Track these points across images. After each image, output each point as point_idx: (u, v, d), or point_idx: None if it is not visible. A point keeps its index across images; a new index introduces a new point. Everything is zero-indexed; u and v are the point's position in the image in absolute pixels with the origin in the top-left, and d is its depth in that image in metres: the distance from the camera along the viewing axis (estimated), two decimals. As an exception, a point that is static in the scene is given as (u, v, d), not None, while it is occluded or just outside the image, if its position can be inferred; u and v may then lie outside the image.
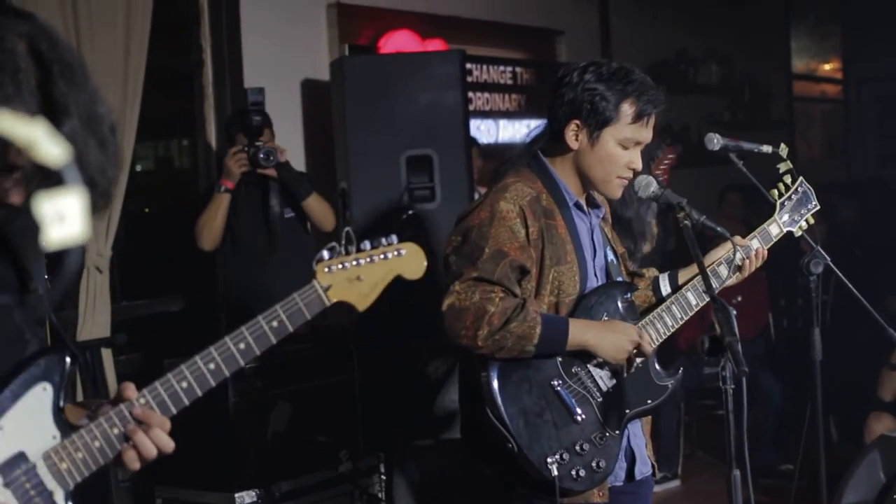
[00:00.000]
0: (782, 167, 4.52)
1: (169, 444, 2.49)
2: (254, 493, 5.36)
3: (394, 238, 2.72)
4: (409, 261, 2.73)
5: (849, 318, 8.14)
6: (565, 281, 3.88)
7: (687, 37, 11.98)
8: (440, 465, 6.16)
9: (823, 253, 5.23)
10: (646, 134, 3.95)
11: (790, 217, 4.39)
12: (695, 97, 12.12)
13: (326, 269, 2.62)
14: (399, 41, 8.57)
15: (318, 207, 6.63)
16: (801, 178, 4.44)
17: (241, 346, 2.54)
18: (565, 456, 3.78)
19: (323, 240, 7.57)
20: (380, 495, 5.87)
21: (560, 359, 3.85)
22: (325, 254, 2.62)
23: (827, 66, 15.15)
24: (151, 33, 6.58)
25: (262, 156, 6.25)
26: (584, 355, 3.88)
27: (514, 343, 3.71)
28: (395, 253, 2.71)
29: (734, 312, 3.46)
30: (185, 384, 2.50)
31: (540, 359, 3.82)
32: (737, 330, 3.40)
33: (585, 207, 4.04)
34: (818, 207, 4.46)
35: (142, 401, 2.48)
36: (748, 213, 8.98)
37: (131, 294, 7.14)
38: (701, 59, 12.27)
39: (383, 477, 5.99)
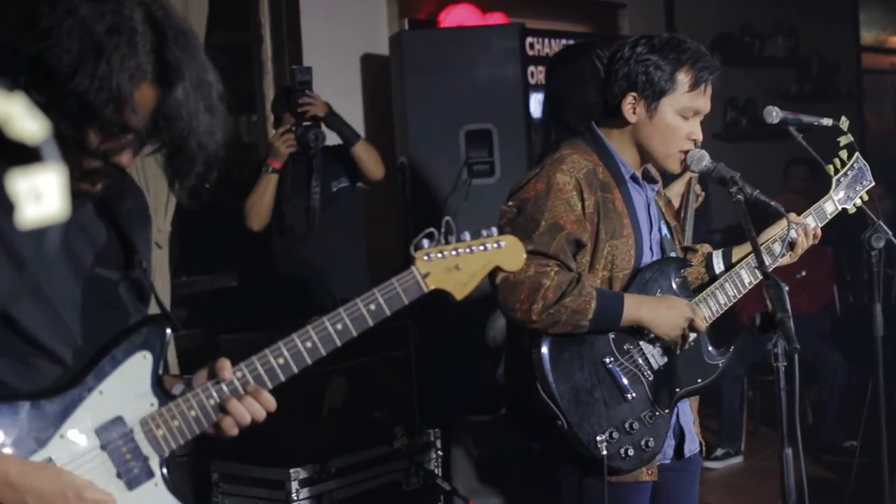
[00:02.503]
0: (843, 140, 4.45)
1: (262, 414, 2.58)
2: (309, 469, 5.37)
3: (493, 230, 2.76)
4: (508, 252, 2.78)
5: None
6: (619, 255, 3.85)
7: (752, 9, 11.85)
8: (498, 441, 6.14)
9: (885, 227, 5.16)
10: (703, 102, 3.90)
11: (845, 194, 4.31)
12: (760, 70, 12.02)
13: (426, 257, 2.66)
14: (459, 15, 8.53)
15: (366, 154, 6.56)
16: (856, 153, 4.36)
17: (339, 326, 2.59)
18: (615, 434, 3.75)
19: (378, 211, 7.62)
20: (436, 471, 5.86)
21: (612, 335, 3.82)
22: (425, 241, 2.67)
23: (897, 38, 14.96)
24: (210, 9, 6.59)
25: (311, 137, 6.22)
26: (637, 332, 3.85)
27: (569, 318, 3.68)
28: (495, 244, 2.75)
29: (787, 288, 3.40)
30: (281, 360, 2.57)
31: (593, 335, 3.78)
32: (789, 306, 3.33)
33: (641, 180, 4.00)
34: (873, 184, 4.39)
35: (238, 374, 2.56)
36: (813, 186, 8.89)
37: (190, 269, 7.19)
38: (767, 32, 12.15)
39: (440, 452, 5.98)
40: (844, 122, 4.51)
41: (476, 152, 7.07)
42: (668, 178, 5.22)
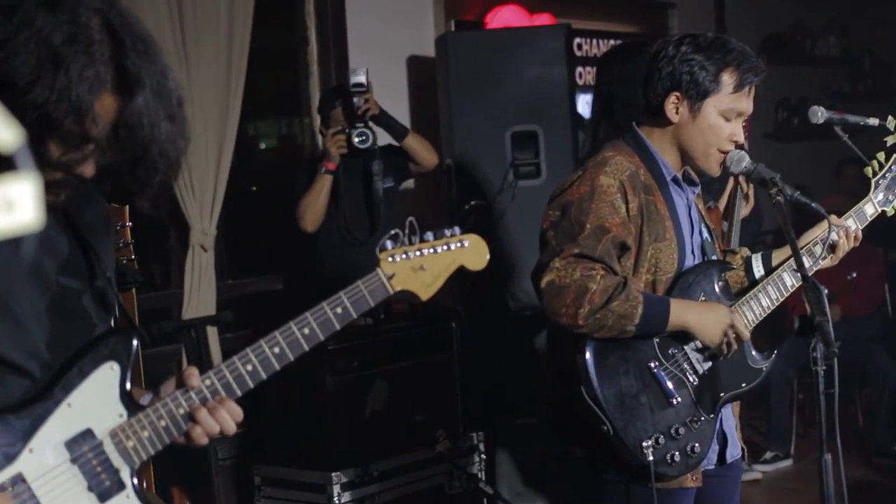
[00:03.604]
0: (890, 140, 4.39)
1: (231, 425, 2.56)
2: (351, 472, 5.37)
3: (457, 229, 2.77)
4: (471, 252, 2.78)
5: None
6: (663, 258, 3.81)
7: (803, 7, 11.77)
8: (543, 445, 6.11)
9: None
10: (747, 104, 3.86)
11: (885, 196, 4.25)
12: (812, 69, 11.93)
13: (390, 259, 2.67)
14: (506, 16, 8.49)
15: (417, 144, 6.61)
16: (895, 155, 4.30)
17: (306, 330, 2.59)
18: (661, 440, 3.71)
19: (425, 213, 7.58)
20: (480, 475, 5.84)
21: (657, 340, 3.79)
22: (388, 243, 2.67)
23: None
24: (256, 11, 6.60)
25: (360, 138, 6.22)
26: (682, 337, 3.81)
27: (616, 322, 3.65)
28: (458, 244, 2.75)
29: (826, 291, 3.36)
30: (249, 367, 2.56)
31: (637, 339, 3.74)
32: (828, 309, 3.30)
33: (682, 183, 3.96)
34: None
35: (207, 382, 2.54)
36: (864, 187, 8.80)
37: (237, 272, 7.20)
38: (818, 31, 12.05)
39: (483, 456, 5.96)
40: (891, 122, 4.46)
41: (522, 154, 7.06)
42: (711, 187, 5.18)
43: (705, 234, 4.04)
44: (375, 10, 7.65)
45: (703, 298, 3.85)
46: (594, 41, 9.46)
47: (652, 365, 3.77)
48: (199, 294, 6.37)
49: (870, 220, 4.20)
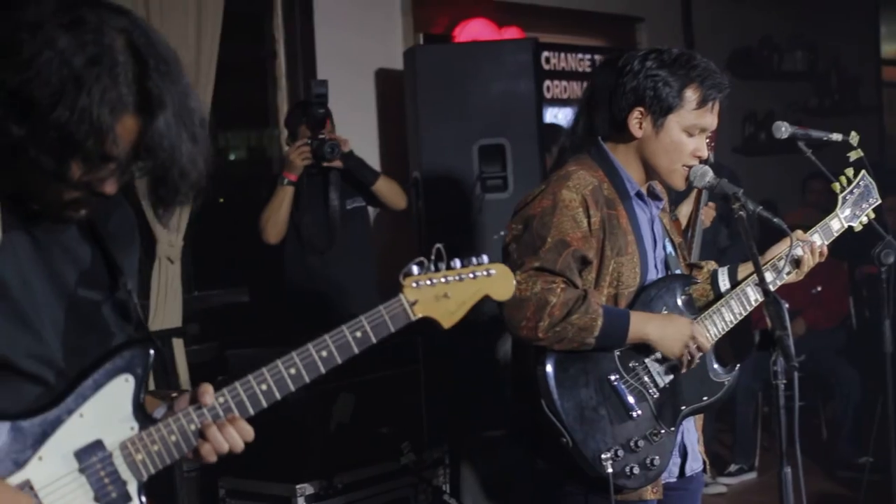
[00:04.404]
0: (853, 155, 4.44)
1: (239, 444, 2.56)
2: (316, 485, 5.36)
3: (484, 258, 2.74)
4: (498, 281, 2.76)
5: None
6: (625, 272, 3.83)
7: (771, 23, 11.83)
8: (507, 457, 6.13)
9: (895, 243, 5.14)
10: (710, 120, 3.89)
11: (852, 211, 4.28)
12: (779, 84, 11.98)
13: (414, 284, 2.64)
14: (474, 29, 8.55)
15: (387, 188, 6.65)
16: (863, 171, 4.33)
17: (324, 353, 2.59)
18: (620, 452, 3.74)
19: (391, 226, 7.62)
20: (444, 487, 5.85)
21: (618, 353, 3.81)
22: (415, 269, 2.65)
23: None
24: (224, 24, 6.60)
25: (327, 149, 6.22)
26: (643, 349, 3.83)
27: (575, 335, 3.67)
28: (485, 273, 2.73)
29: (787, 305, 3.39)
30: (264, 387, 2.56)
31: (598, 352, 3.77)
32: (789, 324, 3.32)
33: (646, 197, 3.98)
34: (879, 201, 4.35)
35: (220, 400, 2.55)
36: (832, 201, 8.84)
37: (204, 284, 7.19)
38: (785, 46, 12.11)
39: (448, 469, 5.97)
40: (854, 138, 4.50)
41: (489, 167, 7.08)
42: (679, 198, 5.21)
43: (669, 249, 4.06)
44: (344, 24, 7.66)
45: (666, 312, 3.87)
46: (562, 55, 9.53)
47: (612, 378, 3.79)
48: (166, 306, 6.36)
49: (836, 235, 4.22)
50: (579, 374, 3.76)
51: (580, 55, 9.70)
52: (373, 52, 7.91)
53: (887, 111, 13.70)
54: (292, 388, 2.58)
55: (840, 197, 4.27)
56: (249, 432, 2.58)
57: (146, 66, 2.32)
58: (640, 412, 3.79)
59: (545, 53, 9.06)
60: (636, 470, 3.76)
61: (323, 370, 2.59)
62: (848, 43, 12.72)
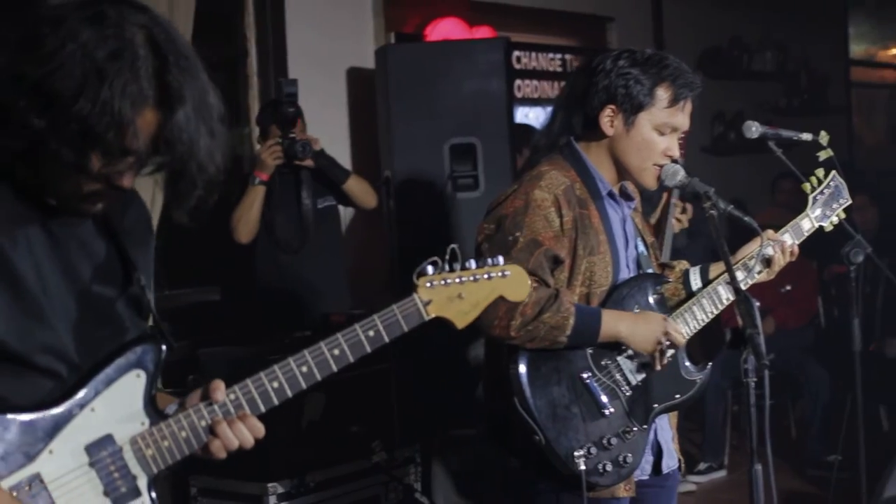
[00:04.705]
0: (822, 155, 4.46)
1: (250, 440, 2.59)
2: (287, 483, 5.35)
3: (500, 259, 2.75)
4: (512, 283, 2.77)
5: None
6: (597, 272, 3.85)
7: (741, 23, 11.87)
8: (478, 456, 6.14)
9: (864, 242, 5.18)
10: (682, 119, 3.91)
11: (822, 211, 4.30)
12: (749, 84, 12.02)
13: (428, 284, 2.66)
14: (446, 29, 8.54)
15: (358, 187, 6.66)
16: (833, 171, 4.36)
17: (336, 351, 2.62)
18: (592, 450, 3.75)
19: (362, 225, 7.62)
20: (415, 486, 5.85)
21: (590, 351, 3.82)
22: (429, 269, 2.67)
23: (887, 52, 14.94)
24: (195, 23, 6.59)
25: (298, 148, 6.21)
26: (615, 348, 3.85)
27: (547, 333, 3.69)
28: (500, 274, 2.75)
29: (757, 304, 3.40)
30: (276, 384, 2.58)
31: (570, 350, 3.78)
32: (759, 322, 3.34)
33: (618, 197, 4.00)
34: (850, 202, 4.37)
35: (231, 396, 2.56)
36: (801, 201, 8.87)
37: (175, 283, 7.17)
38: (755, 47, 12.15)
39: (419, 467, 5.97)
40: (824, 137, 4.52)
41: (460, 166, 7.07)
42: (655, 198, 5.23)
43: (641, 248, 4.07)
44: (315, 23, 7.66)
45: (638, 311, 3.88)
46: (533, 54, 9.55)
47: (584, 376, 3.80)
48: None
49: (806, 235, 4.24)
50: (552, 372, 3.77)
51: (551, 55, 9.72)
52: (344, 51, 7.91)
53: (856, 111, 13.78)
54: (304, 385, 2.60)
55: (810, 197, 4.29)
56: (260, 429, 2.59)
57: (166, 61, 2.34)
58: (612, 410, 3.80)
59: (516, 53, 9.08)
60: (609, 467, 3.77)
61: (335, 368, 2.62)
62: (817, 43, 12.78)
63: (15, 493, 2.39)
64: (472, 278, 2.69)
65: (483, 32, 8.76)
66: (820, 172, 4.33)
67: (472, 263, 2.71)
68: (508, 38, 7.56)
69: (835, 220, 4.34)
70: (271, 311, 6.45)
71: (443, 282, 2.66)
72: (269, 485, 5.29)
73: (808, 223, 4.27)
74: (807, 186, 4.31)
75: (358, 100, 7.91)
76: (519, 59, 9.27)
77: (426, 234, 6.84)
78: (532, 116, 9.40)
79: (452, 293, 2.67)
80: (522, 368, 3.75)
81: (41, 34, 2.31)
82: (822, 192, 4.31)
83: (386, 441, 5.80)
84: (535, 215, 3.77)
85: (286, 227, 6.49)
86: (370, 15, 8.12)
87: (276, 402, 2.59)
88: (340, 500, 5.57)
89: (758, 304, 3.42)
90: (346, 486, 5.61)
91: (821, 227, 4.30)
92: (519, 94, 9.08)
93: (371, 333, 2.62)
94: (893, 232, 9.12)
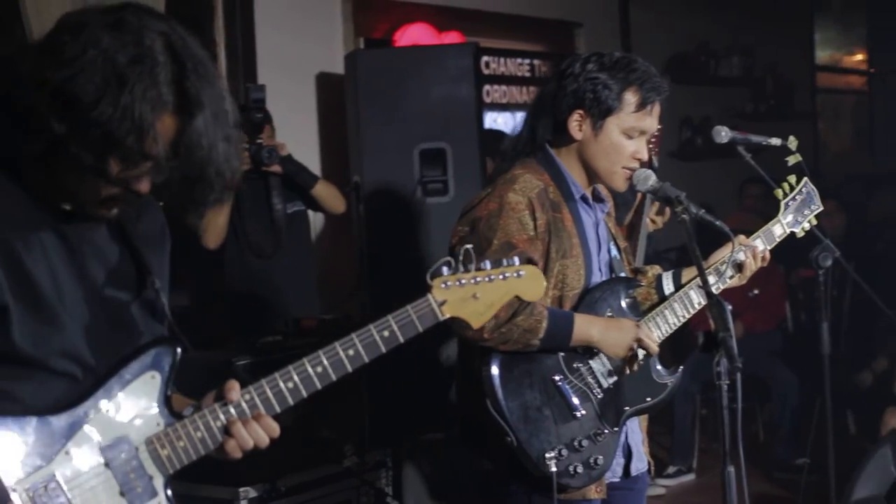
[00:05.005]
0: (791, 160, 4.49)
1: (265, 440, 2.62)
2: (259, 488, 5.33)
3: (515, 259, 2.76)
4: (528, 283, 2.78)
5: (868, 311, 8.09)
6: (570, 275, 3.86)
7: (708, 29, 11.91)
8: (449, 459, 6.14)
9: (833, 246, 5.21)
10: (650, 123, 3.93)
11: (794, 217, 4.33)
12: (716, 89, 12.07)
13: (443, 285, 2.68)
14: (415, 34, 8.55)
15: (326, 192, 6.70)
16: (805, 178, 4.39)
17: (350, 352, 2.64)
18: (563, 452, 3.76)
19: (332, 230, 7.62)
20: (387, 490, 5.85)
21: (562, 354, 3.84)
22: (444, 269, 2.68)
23: (852, 58, 15.03)
24: (164, 27, 6.56)
25: (265, 154, 6.22)
26: (587, 351, 3.87)
27: (520, 336, 3.70)
28: (515, 274, 2.76)
29: (730, 307, 3.42)
30: (290, 384, 2.61)
31: (543, 353, 3.80)
32: (732, 325, 3.35)
33: (591, 201, 4.02)
34: (821, 208, 4.40)
35: (246, 397, 2.59)
36: (768, 205, 8.91)
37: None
38: (722, 52, 12.21)
39: (390, 472, 5.97)
40: (793, 142, 4.55)
41: (430, 171, 7.06)
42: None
43: (614, 252, 4.09)
44: (284, 28, 7.65)
45: (610, 314, 3.91)
46: (501, 60, 9.56)
47: (556, 378, 3.82)
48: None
49: (778, 240, 4.27)
50: (524, 374, 3.79)
51: (519, 60, 9.73)
52: (313, 57, 7.91)
53: (821, 117, 13.85)
54: (318, 385, 2.63)
55: (782, 203, 4.32)
56: (275, 428, 2.63)
57: (184, 68, 2.37)
58: (583, 412, 3.82)
59: (484, 58, 9.08)
60: (580, 469, 3.79)
61: (350, 369, 2.64)
62: (784, 49, 12.84)
63: (31, 495, 2.42)
64: (487, 279, 2.71)
65: (452, 38, 8.77)
66: (792, 178, 4.35)
67: (487, 264, 2.72)
68: (477, 44, 7.56)
69: (806, 226, 4.37)
70: (241, 316, 6.45)
71: (458, 282, 2.68)
72: (241, 489, 5.27)
73: (779, 229, 4.29)
74: (779, 192, 4.33)
75: (327, 105, 7.91)
76: (488, 65, 9.28)
77: (396, 238, 6.85)
78: (501, 122, 9.41)
79: (467, 293, 2.69)
80: (495, 370, 3.76)
81: (62, 40, 2.35)
82: (793, 199, 4.34)
83: (357, 445, 5.80)
84: (509, 218, 3.79)
85: (258, 232, 6.49)
86: (339, 20, 8.12)
87: (291, 402, 2.61)
88: (312, 505, 5.57)
89: (730, 307, 3.44)
90: (318, 490, 5.59)
91: (792, 232, 4.33)
92: (488, 100, 9.09)
93: (386, 334, 2.64)
94: (859, 237, 9.20)
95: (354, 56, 7.36)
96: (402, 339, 2.66)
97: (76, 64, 2.31)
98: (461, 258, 2.69)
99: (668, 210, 5.59)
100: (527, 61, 9.81)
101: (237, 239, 6.52)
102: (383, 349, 2.65)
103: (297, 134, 7.11)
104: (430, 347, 6.36)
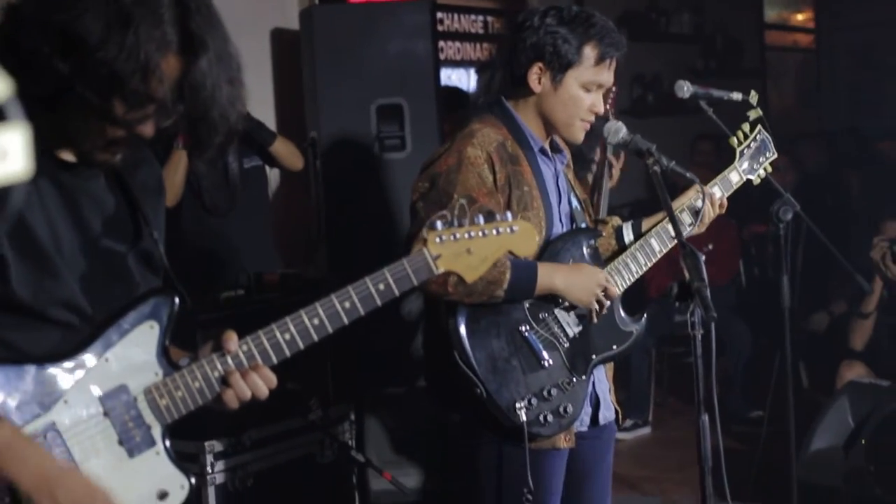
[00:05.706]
0: (752, 115, 4.52)
1: (263, 390, 2.65)
2: (224, 442, 5.34)
3: (508, 215, 2.79)
4: (520, 238, 2.79)
5: (820, 267, 8.18)
6: (531, 227, 3.88)
7: (659, -15, 11.95)
8: (411, 413, 6.17)
9: (793, 200, 5.26)
10: (607, 77, 3.97)
11: (749, 165, 4.39)
12: (667, 46, 12.09)
13: (437, 239, 2.69)
14: (371, -10, 8.51)
15: (285, 149, 6.73)
16: (759, 126, 4.44)
17: (346, 304, 2.62)
18: (533, 401, 3.80)
19: (289, 186, 7.61)
20: (350, 443, 5.87)
21: (528, 304, 3.87)
22: (438, 224, 2.69)
23: (799, 16, 15.12)
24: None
25: None
26: (552, 300, 3.90)
27: (485, 288, 3.72)
28: (508, 229, 2.77)
29: (703, 258, 3.46)
30: (287, 336, 2.61)
31: (508, 304, 3.83)
32: (705, 275, 3.39)
33: (550, 153, 4.04)
34: (776, 155, 4.47)
35: (244, 348, 2.60)
36: (719, 161, 8.99)
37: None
38: (672, 9, 12.25)
39: (354, 425, 5.99)
40: (754, 97, 4.59)
41: (387, 127, 7.05)
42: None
43: (574, 203, 4.12)
44: (239, -17, 7.61)
45: (573, 263, 3.94)
46: (455, 16, 9.55)
47: (523, 329, 3.85)
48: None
49: (735, 188, 4.33)
50: (490, 325, 3.82)
51: (473, 16, 9.73)
52: (268, 13, 7.86)
53: (770, 75, 13.93)
54: (315, 337, 2.62)
55: (738, 150, 4.37)
56: (272, 379, 2.65)
57: (188, 9, 2.38)
58: (551, 362, 3.86)
59: (439, 14, 9.07)
60: (550, 418, 3.83)
61: (346, 321, 2.62)
62: (733, 7, 12.89)
63: None
64: (480, 233, 2.72)
65: (408, -7, 8.73)
66: (746, 127, 4.40)
67: (481, 219, 2.73)
68: (434, 0, 7.56)
69: (762, 173, 4.42)
70: (199, 273, 6.44)
71: (452, 236, 2.69)
72: (206, 443, 5.27)
73: (736, 176, 4.34)
74: (734, 140, 4.38)
75: (283, 62, 7.87)
76: (442, 21, 9.27)
77: (353, 194, 6.85)
78: (455, 78, 9.42)
79: (461, 248, 2.70)
80: (461, 323, 3.79)
81: None
82: (748, 146, 4.39)
83: (321, 399, 5.82)
84: (468, 172, 3.80)
85: (213, 190, 6.48)
86: (294, -24, 8.08)
87: (287, 353, 2.62)
88: (277, 458, 5.57)
89: (703, 257, 3.47)
90: (282, 443, 5.60)
91: (749, 180, 4.38)
92: (442, 56, 9.09)
93: (381, 287, 2.64)
94: (807, 194, 9.28)
95: (310, 12, 7.34)
96: (397, 293, 2.66)
97: (81, 4, 2.31)
98: (456, 212, 2.71)
99: (617, 169, 5.64)
100: (480, 18, 9.81)
101: (194, 197, 6.50)
102: (379, 302, 2.65)
103: (253, 91, 6.84)
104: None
